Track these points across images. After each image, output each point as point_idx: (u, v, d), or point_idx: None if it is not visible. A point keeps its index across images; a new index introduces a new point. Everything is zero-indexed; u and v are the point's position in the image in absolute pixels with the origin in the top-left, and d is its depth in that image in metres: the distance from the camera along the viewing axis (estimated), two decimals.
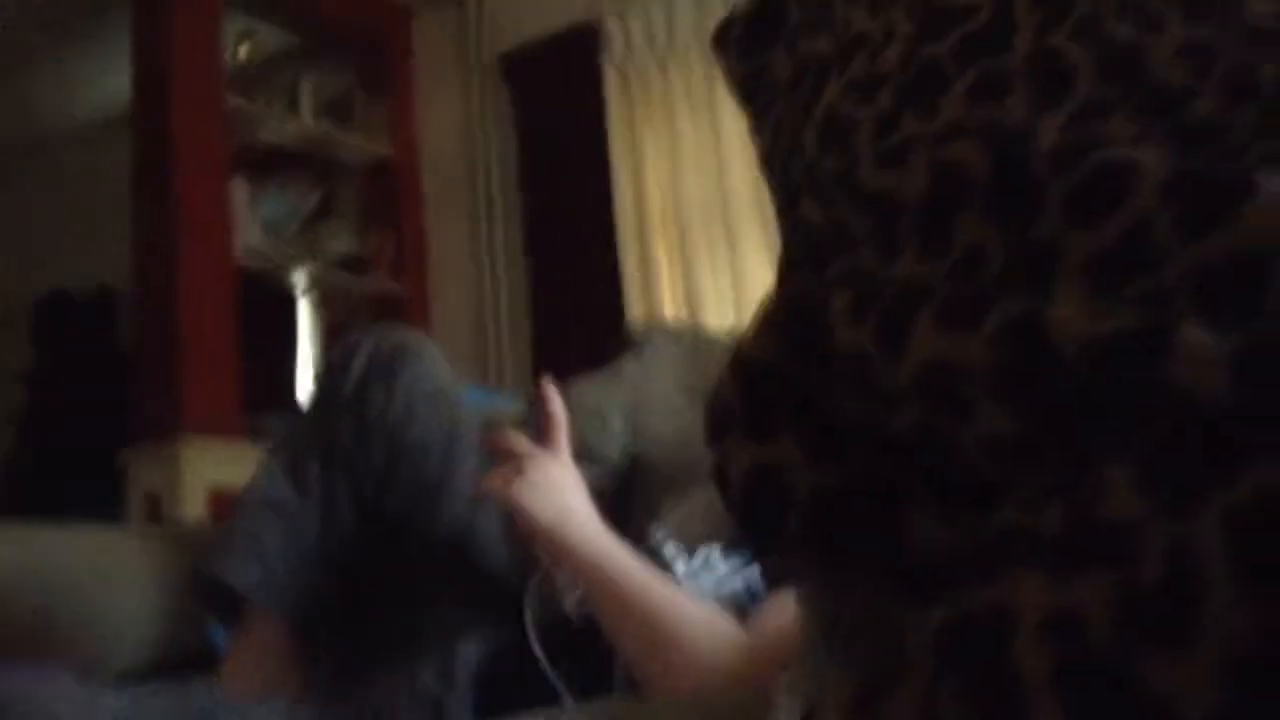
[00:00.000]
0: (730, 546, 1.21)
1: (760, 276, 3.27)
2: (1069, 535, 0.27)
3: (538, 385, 1.19)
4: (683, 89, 3.43)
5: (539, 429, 1.16)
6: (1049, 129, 0.35)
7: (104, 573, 1.54)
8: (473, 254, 3.92)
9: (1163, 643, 0.24)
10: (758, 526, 0.37)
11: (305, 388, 4.18)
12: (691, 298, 3.32)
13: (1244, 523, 0.24)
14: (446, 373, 1.34)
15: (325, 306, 4.05)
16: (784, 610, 0.95)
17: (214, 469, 3.24)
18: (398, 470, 1.28)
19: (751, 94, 0.50)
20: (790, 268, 0.43)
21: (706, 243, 3.35)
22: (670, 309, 3.36)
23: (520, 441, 1.14)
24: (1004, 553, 0.29)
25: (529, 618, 1.10)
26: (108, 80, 4.37)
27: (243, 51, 3.76)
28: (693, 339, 1.59)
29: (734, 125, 3.34)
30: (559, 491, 1.10)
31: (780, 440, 0.35)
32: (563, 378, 1.73)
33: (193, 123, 3.43)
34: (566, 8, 3.69)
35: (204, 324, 3.36)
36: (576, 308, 3.57)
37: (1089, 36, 0.36)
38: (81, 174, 5.00)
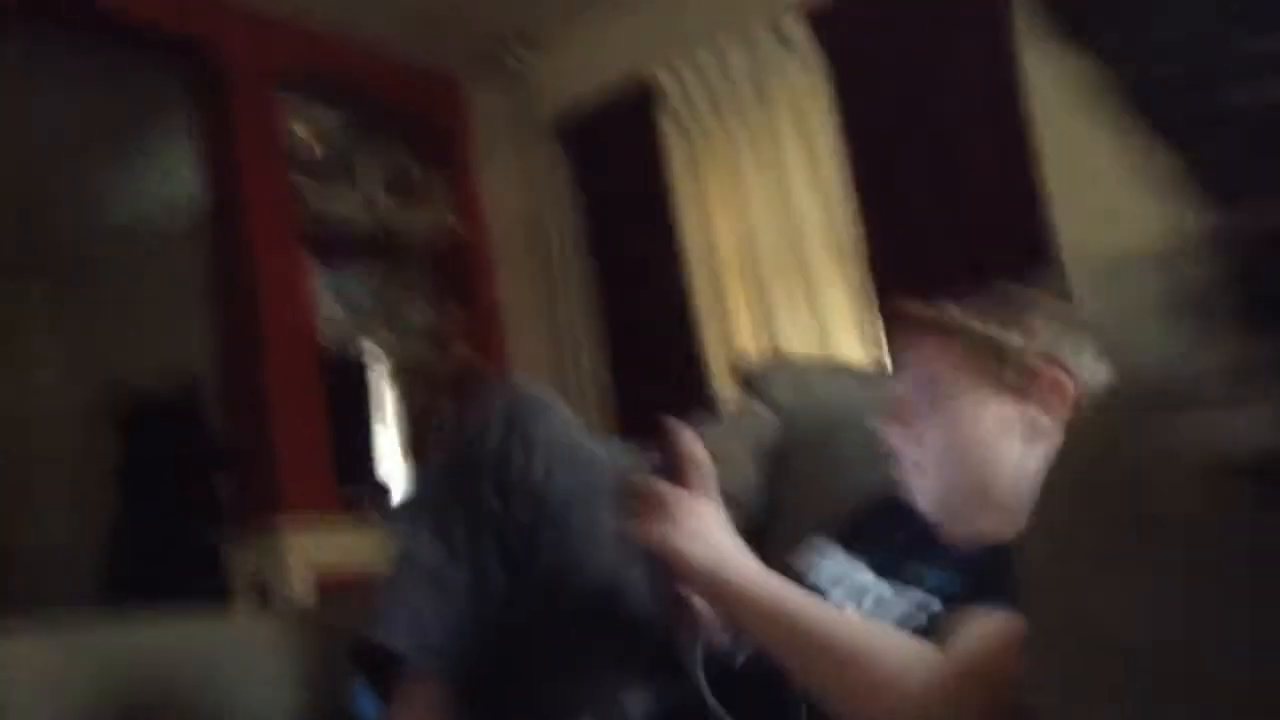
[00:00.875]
0: (882, 574, 1.21)
1: (839, 312, 3.27)
2: None
3: (665, 430, 1.17)
4: (743, 134, 3.46)
5: (672, 473, 1.14)
6: None
7: (238, 658, 1.58)
8: (547, 318, 3.96)
9: None
10: None
11: (388, 462, 4.23)
12: (772, 340, 3.32)
13: None
14: (578, 427, 1.36)
15: (404, 381, 4.10)
16: (979, 627, 0.94)
17: (315, 548, 3.29)
18: (542, 528, 1.29)
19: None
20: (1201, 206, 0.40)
21: (783, 285, 3.36)
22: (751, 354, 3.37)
23: (664, 486, 1.12)
24: None
25: (699, 669, 1.09)
26: (176, 178, 4.50)
27: (304, 135, 3.84)
28: (814, 371, 1.60)
29: (799, 164, 3.36)
30: (712, 534, 1.08)
31: None
32: (648, 431, 1.74)
33: (264, 209, 3.52)
34: (616, 64, 3.74)
35: (293, 405, 3.42)
36: (654, 362, 3.58)
37: None
38: (155, 273, 5.12)
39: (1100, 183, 2.96)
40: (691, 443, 1.15)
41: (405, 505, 1.49)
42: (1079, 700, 0.67)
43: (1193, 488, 0.60)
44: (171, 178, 4.52)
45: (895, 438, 1.24)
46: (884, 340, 3.07)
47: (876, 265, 3.19)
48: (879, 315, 3.09)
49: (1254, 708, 0.59)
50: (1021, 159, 3.01)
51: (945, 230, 3.07)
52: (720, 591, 1.06)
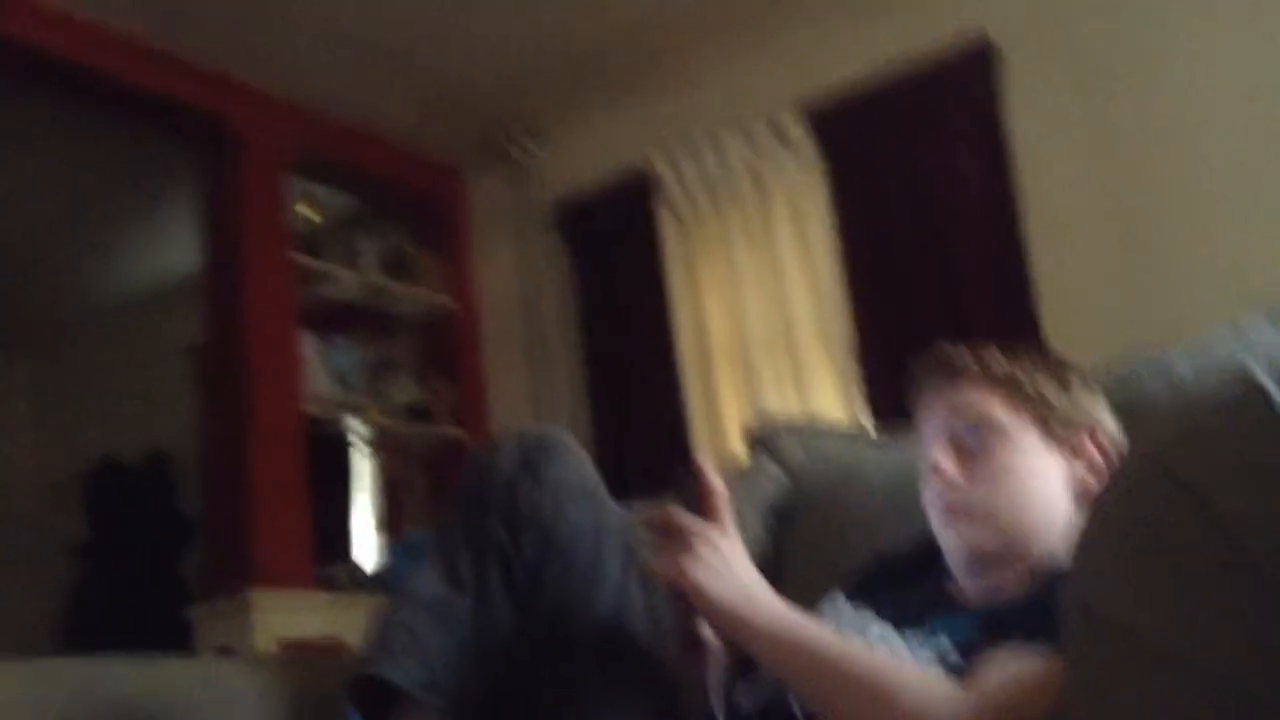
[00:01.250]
0: (895, 627, 1.19)
1: (827, 401, 3.29)
2: None
3: (690, 466, 1.15)
4: (739, 225, 3.52)
5: (694, 508, 1.12)
6: None
7: (210, 698, 1.53)
8: (533, 399, 3.97)
9: None
10: None
11: (363, 537, 4.17)
12: None
13: None
14: (590, 468, 1.35)
15: (387, 455, 4.08)
16: (1005, 666, 0.92)
17: (284, 620, 3.22)
18: (549, 564, 1.27)
19: None
20: None
21: (772, 373, 3.38)
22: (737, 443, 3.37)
23: (686, 518, 1.10)
24: None
25: (720, 707, 1.07)
26: (166, 249, 4.52)
27: (306, 213, 3.89)
28: (824, 432, 1.59)
29: (792, 256, 3.41)
30: (734, 567, 1.06)
31: None
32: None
33: (263, 282, 3.54)
34: (616, 155, 3.82)
35: (274, 477, 3.39)
36: (641, 447, 3.58)
37: None
38: (128, 344, 5.12)
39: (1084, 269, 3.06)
40: (715, 478, 1.14)
41: (400, 545, 1.47)
42: (1131, 715, 0.66)
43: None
44: (162, 248, 4.55)
45: (940, 483, 1.20)
46: (878, 421, 3.09)
47: (864, 352, 3.22)
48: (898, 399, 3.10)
49: None
50: (1015, 257, 3.06)
51: (937, 323, 3.11)
52: (742, 625, 1.04)
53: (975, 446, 1.19)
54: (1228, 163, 2.85)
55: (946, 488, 1.19)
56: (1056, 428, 1.17)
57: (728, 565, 1.07)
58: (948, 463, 1.19)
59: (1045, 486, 1.16)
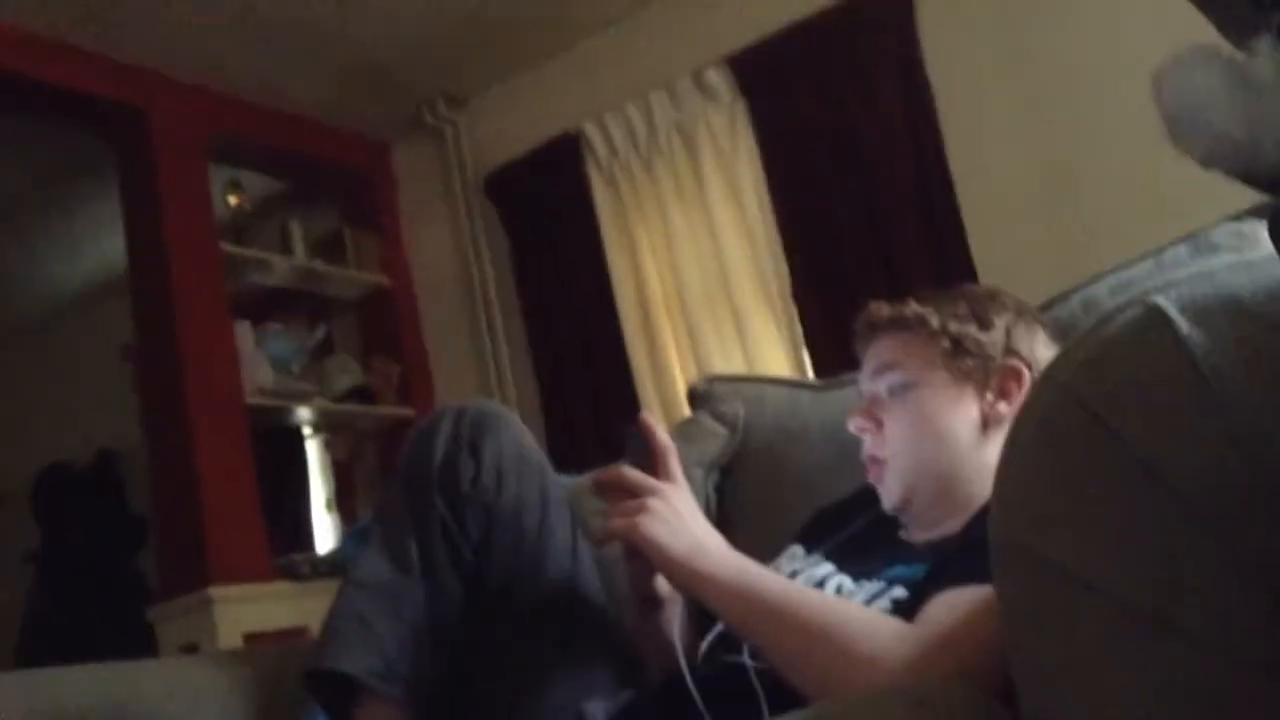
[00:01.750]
0: (843, 569, 1.21)
1: (770, 350, 3.31)
2: None
3: (634, 422, 1.17)
4: (670, 182, 3.52)
5: (643, 463, 1.14)
6: None
7: (176, 698, 1.52)
8: (478, 371, 3.96)
9: None
10: None
11: (319, 522, 4.16)
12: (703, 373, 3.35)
13: None
14: (529, 438, 1.35)
15: (335, 440, 4.05)
16: (948, 602, 0.94)
17: (247, 613, 3.21)
18: (494, 537, 1.27)
19: None
20: None
21: (713, 323, 3.40)
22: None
23: (636, 475, 1.11)
24: None
25: (684, 664, 1.07)
26: (98, 246, 4.44)
27: (231, 200, 3.82)
28: (764, 384, 1.60)
29: (724, 208, 3.42)
30: (687, 520, 1.08)
31: None
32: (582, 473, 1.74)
33: (191, 274, 3.47)
34: (544, 123, 3.79)
35: (222, 470, 3.35)
36: (589, 410, 3.59)
37: None
38: (64, 345, 5.03)
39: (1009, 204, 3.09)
40: (661, 433, 1.15)
41: (351, 532, 1.46)
42: (1057, 646, 0.67)
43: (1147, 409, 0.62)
44: (92, 246, 4.46)
45: (862, 433, 1.25)
46: (820, 365, 3.12)
47: (802, 296, 3.24)
48: (837, 341, 3.14)
49: (1231, 638, 0.60)
50: (940, 187, 3.09)
51: (870, 264, 3.14)
52: (695, 575, 1.05)
53: (885, 395, 1.23)
54: (1146, 88, 2.87)
55: (866, 443, 1.24)
56: (968, 365, 1.19)
57: (679, 516, 1.08)
58: (860, 417, 1.24)
59: (956, 423, 1.19)
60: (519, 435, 1.33)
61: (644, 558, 1.10)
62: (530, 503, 1.29)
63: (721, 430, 1.55)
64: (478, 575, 1.27)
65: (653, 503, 1.08)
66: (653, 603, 1.18)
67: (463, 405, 1.34)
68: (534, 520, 1.28)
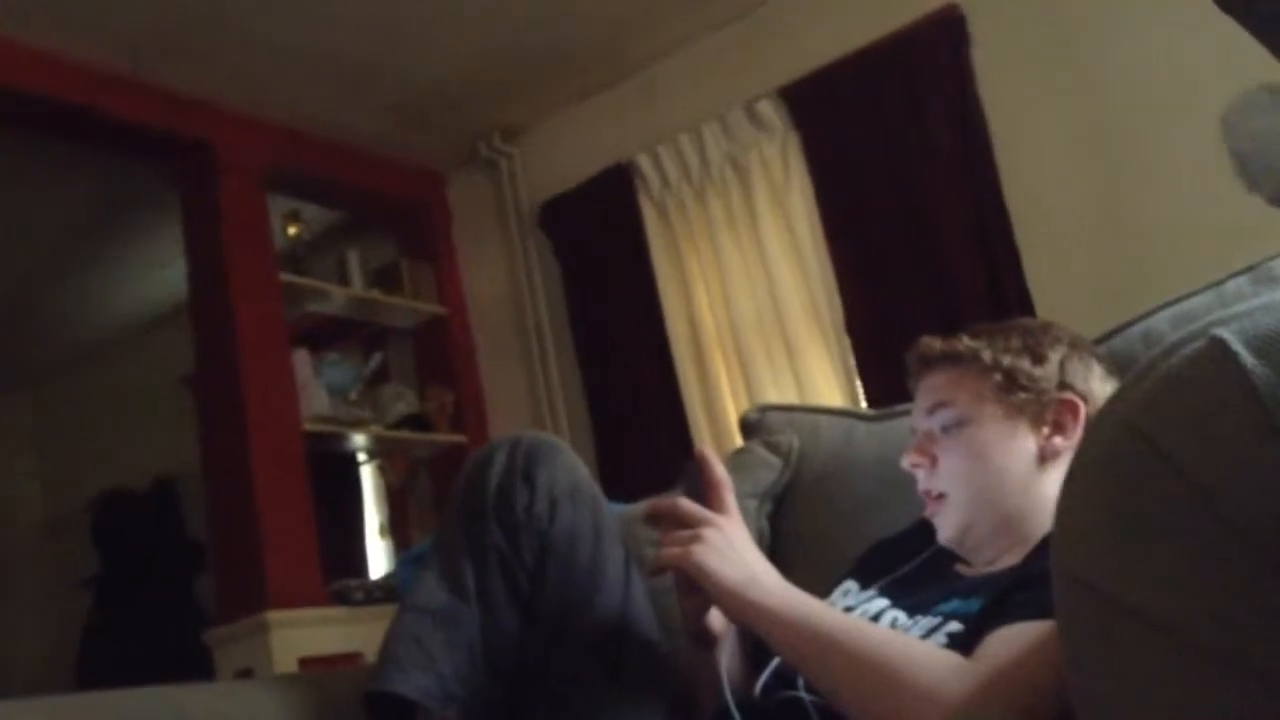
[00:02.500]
0: (897, 604, 1.20)
1: (823, 380, 3.30)
2: None
3: (692, 456, 1.18)
4: (722, 212, 3.52)
5: (698, 495, 1.15)
6: None
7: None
8: (530, 398, 3.99)
9: None
10: None
11: (372, 548, 4.20)
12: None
13: None
14: (583, 469, 1.36)
15: (390, 466, 4.09)
16: (1007, 637, 0.93)
17: (302, 638, 3.24)
18: (548, 566, 1.28)
19: None
20: None
21: (765, 354, 3.39)
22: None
23: (691, 506, 1.12)
24: None
25: (730, 699, 1.07)
26: (160, 277, 4.53)
27: (291, 230, 3.89)
28: (818, 414, 1.60)
29: (777, 238, 3.42)
30: (741, 552, 1.08)
31: None
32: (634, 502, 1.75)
33: (251, 303, 3.54)
34: (597, 154, 3.82)
35: (279, 496, 3.39)
36: (640, 436, 3.59)
37: None
38: (124, 374, 5.13)
39: (1066, 235, 3.06)
40: (717, 466, 1.16)
41: (405, 558, 1.48)
42: (1122, 683, 0.67)
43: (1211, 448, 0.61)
44: (155, 277, 4.56)
45: (916, 470, 1.25)
46: (873, 396, 3.10)
47: (856, 327, 3.23)
48: (891, 372, 3.12)
49: None
50: (995, 219, 3.07)
51: (921, 293, 3.12)
52: (749, 606, 1.04)
53: (939, 431, 1.22)
54: (1206, 121, 2.83)
55: (920, 478, 1.24)
56: (1022, 400, 1.18)
57: (732, 548, 1.08)
58: (914, 453, 1.24)
59: (1011, 459, 1.18)
60: (573, 466, 1.34)
61: (696, 589, 1.10)
62: (583, 532, 1.29)
63: (775, 460, 1.55)
64: (533, 603, 1.27)
65: (707, 533, 1.08)
66: (705, 635, 1.18)
67: (518, 436, 1.35)
68: (587, 550, 1.28)
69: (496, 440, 1.36)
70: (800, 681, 1.06)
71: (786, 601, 1.03)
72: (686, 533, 1.09)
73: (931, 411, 1.24)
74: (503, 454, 1.32)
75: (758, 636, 1.08)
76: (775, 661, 1.14)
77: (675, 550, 1.08)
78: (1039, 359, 1.20)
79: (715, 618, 1.18)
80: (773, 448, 1.57)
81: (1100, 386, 1.21)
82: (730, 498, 1.14)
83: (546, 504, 1.29)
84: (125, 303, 4.85)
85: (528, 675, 1.26)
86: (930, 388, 1.25)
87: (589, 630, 1.26)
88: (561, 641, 1.26)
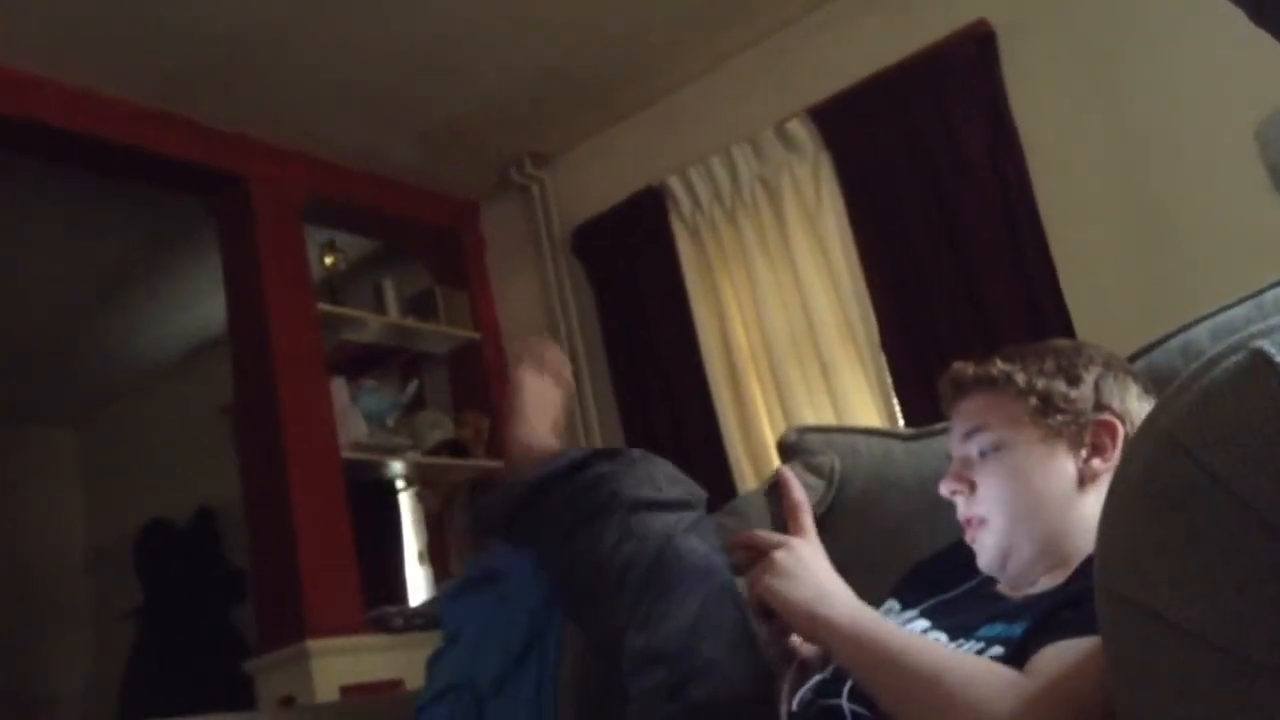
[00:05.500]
0: (938, 627, 1.20)
1: (859, 400, 3.29)
2: None
3: (778, 476, 1.21)
4: (754, 234, 3.53)
5: (782, 517, 1.18)
6: None
7: None
8: (567, 424, 3.98)
9: None
10: None
11: (411, 575, 4.21)
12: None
13: None
14: (653, 481, 1.33)
15: (427, 492, 4.11)
16: (1056, 655, 0.94)
17: (343, 666, 3.25)
18: (603, 595, 1.29)
19: None
20: None
21: (800, 374, 3.38)
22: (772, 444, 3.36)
23: (759, 535, 1.15)
24: None
25: (782, 711, 1.08)
26: (198, 309, 4.59)
27: (327, 260, 3.94)
28: (857, 434, 1.60)
29: (810, 258, 3.42)
30: (814, 573, 1.10)
31: None
32: None
33: (289, 333, 3.57)
34: (628, 177, 3.84)
35: (318, 524, 3.41)
36: (676, 458, 3.53)
37: None
38: (164, 405, 5.19)
39: (1102, 248, 3.04)
40: (796, 489, 1.19)
41: (450, 590, 1.48)
42: (1171, 699, 0.66)
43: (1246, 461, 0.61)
44: (194, 309, 4.62)
45: (954, 497, 1.25)
46: (910, 415, 3.09)
47: (891, 346, 3.22)
48: (928, 390, 3.11)
49: None
50: (1030, 234, 3.05)
51: (957, 310, 3.11)
52: (815, 620, 1.06)
53: (976, 455, 1.22)
54: (1240, 134, 2.81)
55: (959, 503, 1.24)
56: (1059, 422, 1.18)
57: (804, 567, 1.11)
58: (951, 480, 1.24)
59: (1050, 482, 1.17)
60: (641, 481, 1.33)
61: (771, 613, 1.12)
62: (642, 561, 1.28)
63: (817, 482, 1.54)
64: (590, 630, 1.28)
65: (777, 555, 1.11)
66: (791, 658, 1.18)
67: (587, 451, 1.36)
68: (642, 576, 1.28)
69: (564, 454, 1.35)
70: (844, 690, 1.07)
71: (851, 617, 1.04)
72: (762, 561, 1.12)
73: (968, 437, 1.23)
74: (565, 469, 1.30)
75: (827, 652, 1.09)
76: (816, 677, 1.14)
77: (749, 577, 1.12)
78: (1074, 380, 1.20)
79: (800, 642, 1.19)
80: (814, 469, 1.57)
81: (1137, 405, 1.20)
82: (807, 518, 1.17)
83: (616, 533, 1.24)
84: (166, 336, 4.91)
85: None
86: (965, 413, 1.25)
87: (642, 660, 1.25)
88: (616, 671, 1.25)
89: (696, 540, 1.21)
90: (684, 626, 1.24)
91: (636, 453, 1.32)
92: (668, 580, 1.25)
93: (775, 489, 1.20)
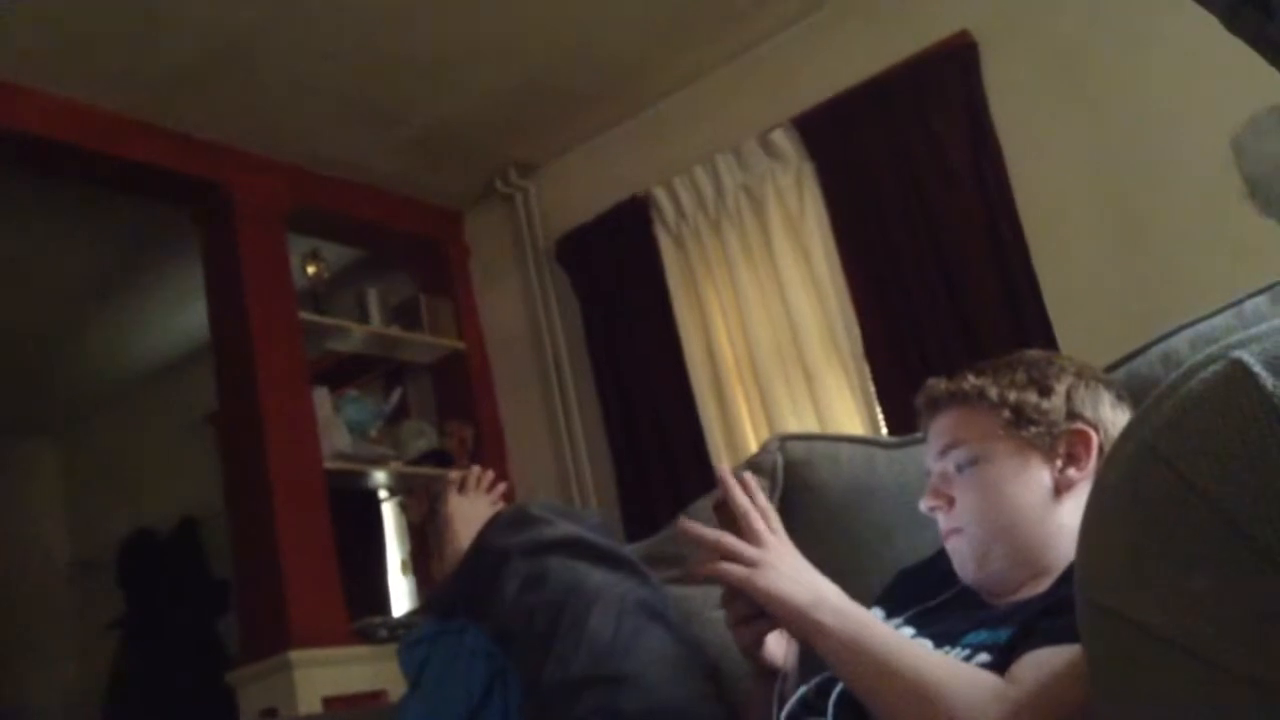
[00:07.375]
0: (922, 634, 1.20)
1: (843, 408, 3.29)
2: None
3: (722, 479, 1.18)
4: (738, 243, 3.53)
5: (732, 522, 1.15)
6: None
7: None
8: (550, 431, 3.99)
9: None
10: None
11: (394, 585, 4.19)
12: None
13: None
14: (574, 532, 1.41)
15: (411, 503, 4.10)
16: (1039, 661, 0.95)
17: (326, 677, 3.24)
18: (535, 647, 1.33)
19: None
20: None
21: (784, 383, 3.39)
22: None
23: (758, 526, 1.12)
24: None
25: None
26: (178, 318, 4.57)
27: (310, 269, 3.92)
28: (840, 443, 1.60)
29: (794, 267, 3.43)
30: (805, 572, 1.10)
31: None
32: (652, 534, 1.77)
33: (271, 342, 3.56)
34: (613, 187, 3.84)
35: (301, 535, 3.40)
36: (661, 467, 3.59)
37: None
38: (147, 415, 5.16)
39: (1083, 256, 3.05)
40: (758, 493, 1.17)
41: (411, 640, 1.50)
42: (1151, 710, 0.66)
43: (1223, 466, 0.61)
44: (175, 318, 4.60)
45: (934, 513, 1.26)
46: (894, 423, 3.10)
47: (874, 354, 3.23)
48: (911, 398, 3.12)
49: None
50: (1012, 243, 3.07)
51: (939, 318, 3.12)
52: (817, 628, 1.05)
53: (954, 470, 1.23)
54: (1217, 142, 2.82)
55: (938, 517, 1.25)
56: (1032, 433, 1.19)
57: (798, 570, 1.10)
58: (930, 496, 1.25)
59: (1026, 493, 1.19)
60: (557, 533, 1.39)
61: (752, 618, 1.12)
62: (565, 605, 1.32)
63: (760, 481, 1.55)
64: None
65: (769, 557, 1.09)
66: (763, 665, 1.18)
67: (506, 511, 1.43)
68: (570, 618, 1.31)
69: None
70: (829, 708, 1.07)
71: (845, 621, 1.05)
72: (747, 557, 1.09)
73: (943, 453, 1.25)
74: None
75: (820, 656, 1.09)
76: (801, 690, 1.14)
77: (740, 573, 1.09)
78: (1045, 391, 1.21)
79: (773, 648, 1.18)
80: (756, 467, 1.60)
81: (1110, 414, 1.21)
82: (777, 521, 1.15)
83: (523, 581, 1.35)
84: (148, 345, 4.89)
85: None
86: (940, 429, 1.26)
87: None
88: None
89: (589, 566, 1.33)
90: (601, 649, 1.26)
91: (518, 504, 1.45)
92: (576, 610, 1.29)
93: (722, 506, 1.16)
